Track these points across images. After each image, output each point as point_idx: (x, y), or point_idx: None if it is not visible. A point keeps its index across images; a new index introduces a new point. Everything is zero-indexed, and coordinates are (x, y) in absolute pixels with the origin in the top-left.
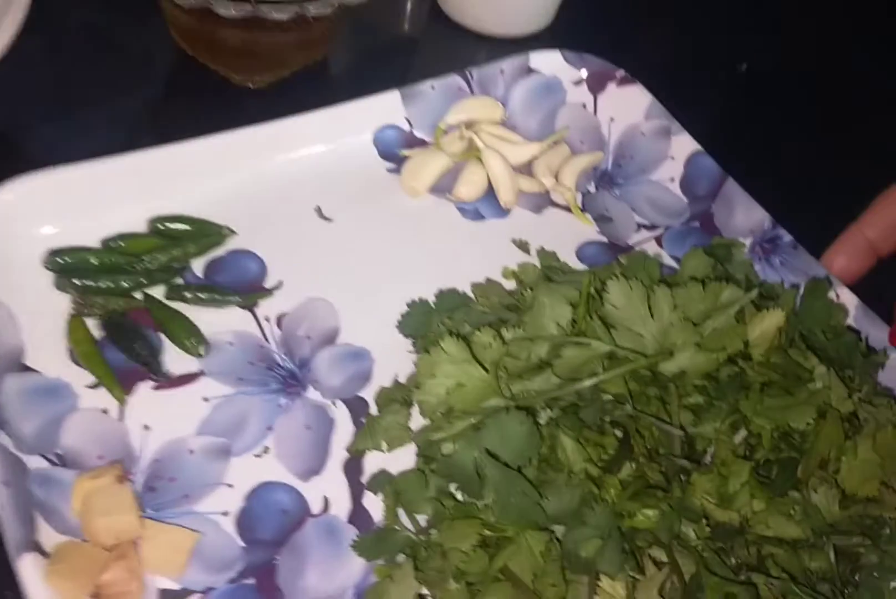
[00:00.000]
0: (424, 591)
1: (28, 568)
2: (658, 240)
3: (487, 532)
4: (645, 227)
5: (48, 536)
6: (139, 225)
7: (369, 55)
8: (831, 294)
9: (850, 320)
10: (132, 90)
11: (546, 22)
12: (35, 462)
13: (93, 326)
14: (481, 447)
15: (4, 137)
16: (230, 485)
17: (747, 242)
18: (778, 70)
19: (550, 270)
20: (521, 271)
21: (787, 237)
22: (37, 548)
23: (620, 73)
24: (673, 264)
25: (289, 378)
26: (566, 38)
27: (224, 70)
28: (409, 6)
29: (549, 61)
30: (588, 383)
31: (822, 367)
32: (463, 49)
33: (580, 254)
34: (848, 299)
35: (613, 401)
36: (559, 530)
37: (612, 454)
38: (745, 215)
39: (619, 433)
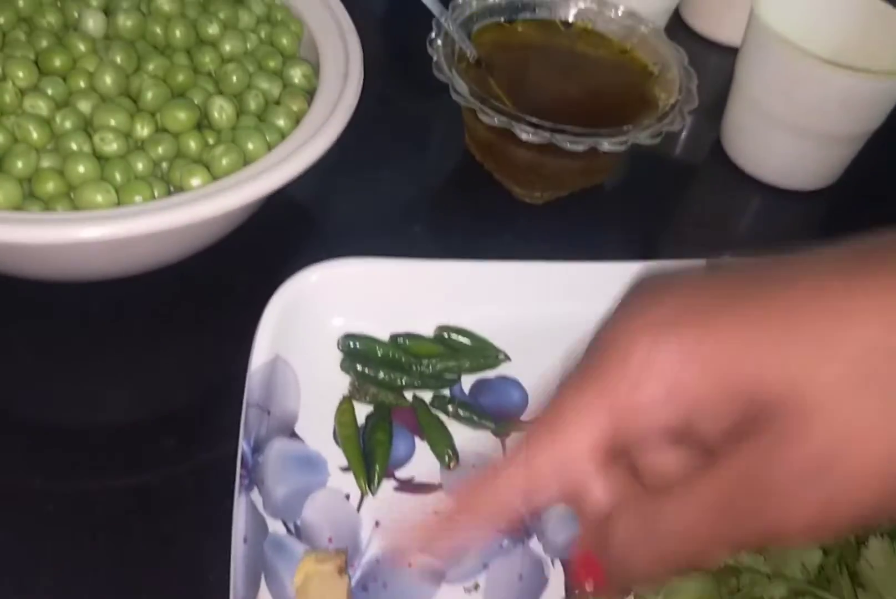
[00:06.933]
0: None
1: None
2: None
3: None
4: None
5: None
6: (427, 329)
7: (644, 184)
8: None
9: None
10: (414, 180)
11: (831, 180)
12: (275, 526)
13: (360, 412)
14: None
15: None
16: None
17: None
18: None
19: None
20: None
21: None
22: None
23: None
24: None
25: (517, 521)
26: (848, 197)
27: (507, 182)
28: (690, 142)
29: None
30: None
31: None
32: (738, 191)
33: None
34: None
35: None
36: None
37: None
38: None
39: None
